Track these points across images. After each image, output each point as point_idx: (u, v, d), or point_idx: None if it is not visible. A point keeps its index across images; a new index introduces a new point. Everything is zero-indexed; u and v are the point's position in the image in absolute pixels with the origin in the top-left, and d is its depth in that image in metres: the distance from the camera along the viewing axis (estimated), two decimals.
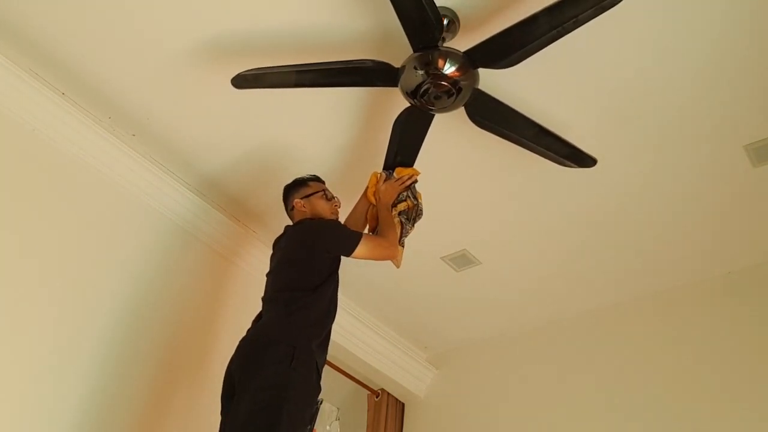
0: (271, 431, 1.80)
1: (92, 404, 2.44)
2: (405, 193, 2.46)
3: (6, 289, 2.34)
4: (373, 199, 2.49)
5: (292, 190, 2.45)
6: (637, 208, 2.85)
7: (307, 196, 2.40)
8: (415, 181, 2.50)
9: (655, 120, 2.46)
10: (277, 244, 2.37)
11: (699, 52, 2.22)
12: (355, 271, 2.45)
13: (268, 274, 2.30)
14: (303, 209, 2.37)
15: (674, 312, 3.20)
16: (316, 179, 2.48)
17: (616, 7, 1.83)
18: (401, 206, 2.45)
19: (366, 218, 2.53)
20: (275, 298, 2.14)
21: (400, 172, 2.48)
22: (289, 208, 2.44)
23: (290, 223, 2.45)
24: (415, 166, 2.52)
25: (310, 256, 2.18)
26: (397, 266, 2.43)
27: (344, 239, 2.23)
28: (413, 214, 2.47)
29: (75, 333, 2.49)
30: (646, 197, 2.80)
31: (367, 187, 2.52)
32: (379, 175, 2.50)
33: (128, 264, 2.76)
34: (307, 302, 2.09)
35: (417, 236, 2.65)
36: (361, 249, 2.19)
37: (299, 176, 2.50)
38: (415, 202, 2.48)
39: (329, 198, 2.43)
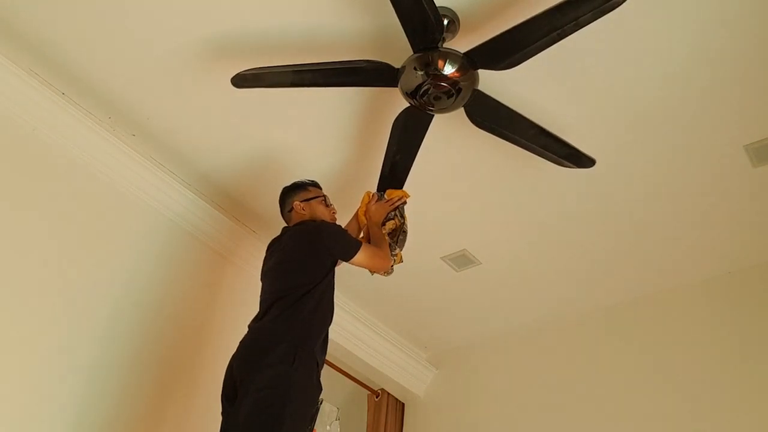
0: (274, 431, 1.81)
1: (91, 404, 2.45)
2: (393, 213, 2.53)
3: (5, 289, 2.34)
4: (363, 219, 2.54)
5: (291, 192, 2.46)
6: (637, 208, 2.85)
7: (308, 200, 2.40)
8: (404, 203, 2.56)
9: (655, 120, 2.46)
10: (272, 246, 2.38)
11: (699, 53, 2.22)
12: (355, 272, 2.45)
13: (265, 275, 2.30)
14: (303, 212, 2.38)
15: (674, 312, 3.20)
16: (315, 185, 2.50)
17: (615, 9, 1.83)
18: (389, 225, 2.52)
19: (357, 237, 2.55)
20: (277, 298, 2.13)
21: (390, 193, 2.54)
22: (287, 210, 2.44)
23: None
24: (414, 167, 2.52)
25: (312, 256, 2.19)
26: (385, 275, 2.51)
27: (347, 244, 2.28)
28: (398, 233, 2.53)
29: (74, 332, 2.49)
30: (645, 197, 2.80)
31: (360, 206, 2.57)
32: (371, 194, 2.55)
33: (128, 263, 2.76)
34: (308, 302, 2.09)
35: (417, 236, 2.65)
36: (360, 256, 2.26)
37: (298, 180, 2.51)
38: (402, 221, 2.53)
39: (328, 205, 2.45)
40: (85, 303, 2.56)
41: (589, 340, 3.43)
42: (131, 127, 2.79)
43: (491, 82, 2.26)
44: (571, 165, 2.39)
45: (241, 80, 2.22)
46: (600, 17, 1.84)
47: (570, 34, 1.90)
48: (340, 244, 2.26)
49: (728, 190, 2.71)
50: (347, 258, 2.25)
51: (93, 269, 2.63)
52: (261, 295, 2.25)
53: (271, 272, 2.27)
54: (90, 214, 2.70)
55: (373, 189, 2.63)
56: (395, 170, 2.52)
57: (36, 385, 2.34)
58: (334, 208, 2.47)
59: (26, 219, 2.49)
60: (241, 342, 2.09)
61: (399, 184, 2.58)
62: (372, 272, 2.47)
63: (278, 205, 2.49)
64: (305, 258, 2.19)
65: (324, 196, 2.46)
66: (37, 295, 2.43)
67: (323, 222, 2.34)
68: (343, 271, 2.35)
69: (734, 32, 2.14)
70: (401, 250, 2.53)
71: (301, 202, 2.40)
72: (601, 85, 2.36)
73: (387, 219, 2.52)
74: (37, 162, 2.59)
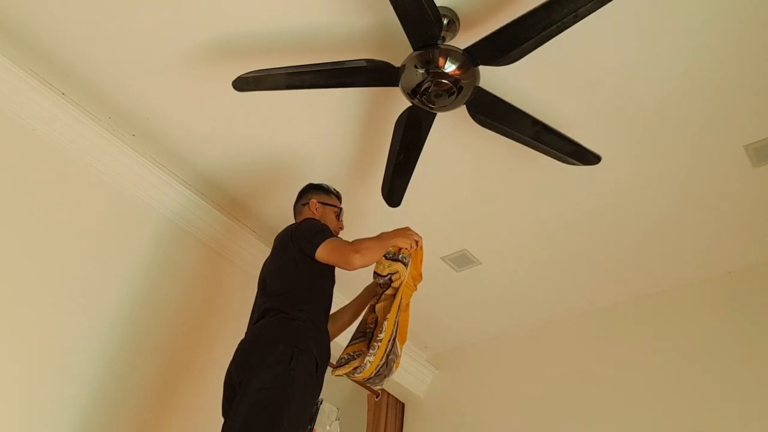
0: (271, 431, 1.81)
1: (92, 403, 2.44)
2: (406, 259, 2.17)
3: (5, 289, 2.34)
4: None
5: (315, 189, 2.46)
6: (637, 207, 2.85)
7: (325, 204, 2.41)
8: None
9: (656, 119, 2.46)
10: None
11: (700, 52, 2.22)
12: (354, 272, 2.44)
13: (262, 275, 2.30)
14: (314, 211, 2.38)
15: (674, 312, 3.20)
16: (339, 196, 2.50)
17: (616, 3, 1.83)
18: (395, 269, 2.16)
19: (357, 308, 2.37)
20: (274, 299, 2.13)
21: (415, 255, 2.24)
22: (302, 202, 2.44)
23: (292, 219, 2.46)
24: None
25: (298, 253, 2.16)
26: (374, 382, 2.14)
27: (313, 237, 2.11)
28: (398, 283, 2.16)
29: (75, 332, 2.49)
30: (645, 197, 2.80)
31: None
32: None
33: (128, 263, 2.76)
34: (305, 301, 2.09)
35: None
36: (321, 250, 2.07)
37: (327, 183, 2.50)
38: (406, 264, 2.17)
39: (339, 218, 2.45)
40: (85, 302, 2.56)
41: (589, 340, 3.43)
42: (131, 127, 2.79)
43: (493, 78, 2.27)
44: (576, 162, 2.38)
45: (242, 83, 2.22)
46: (599, 8, 1.82)
47: (570, 26, 1.89)
48: (305, 238, 2.13)
49: (728, 190, 2.72)
50: (309, 252, 2.08)
51: (93, 269, 2.63)
52: (259, 296, 2.25)
53: (269, 273, 2.27)
54: (90, 214, 2.70)
55: (375, 190, 2.60)
56: (399, 171, 2.51)
57: (36, 387, 2.33)
58: (342, 224, 2.46)
59: (26, 218, 2.48)
60: (239, 344, 2.09)
61: (403, 188, 2.53)
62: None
63: (279, 204, 2.49)
64: (291, 258, 2.17)
65: (340, 209, 2.46)
66: (36, 294, 2.43)
67: (305, 220, 2.30)
68: (342, 270, 2.31)
69: (735, 32, 2.15)
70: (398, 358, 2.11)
71: (319, 202, 2.41)
72: (603, 82, 2.35)
73: (397, 258, 2.16)
74: (37, 162, 2.59)
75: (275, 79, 2.20)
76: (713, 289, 3.14)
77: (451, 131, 2.58)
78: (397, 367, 2.16)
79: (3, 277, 2.35)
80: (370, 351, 2.08)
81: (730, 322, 2.99)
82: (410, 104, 2.25)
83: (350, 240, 2.13)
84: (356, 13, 2.20)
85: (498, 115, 2.25)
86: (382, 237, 2.18)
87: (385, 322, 2.10)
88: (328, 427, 3.58)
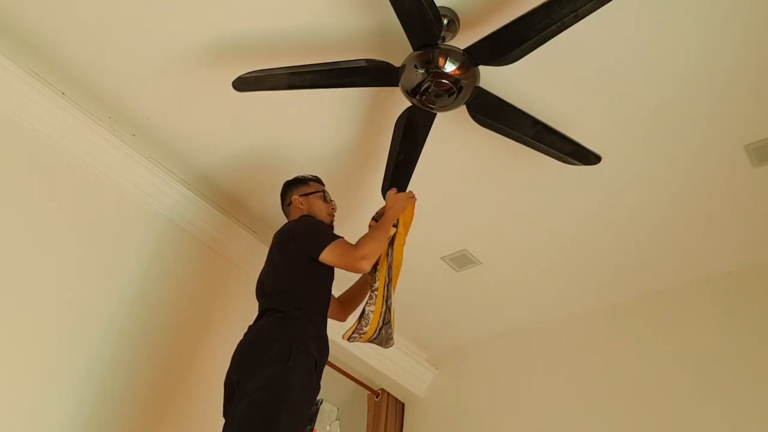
0: (268, 430, 1.81)
1: (92, 404, 2.44)
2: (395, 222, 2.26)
3: (4, 288, 2.34)
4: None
5: (292, 186, 2.46)
6: (637, 207, 2.85)
7: (306, 195, 2.40)
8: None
9: (656, 119, 2.46)
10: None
11: (700, 52, 2.22)
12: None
13: (260, 279, 2.30)
14: (300, 206, 2.38)
15: (674, 312, 3.20)
16: (317, 180, 2.49)
17: (616, 2, 1.83)
18: (391, 232, 2.24)
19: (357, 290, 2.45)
20: (271, 299, 2.13)
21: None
22: (285, 203, 2.44)
23: (285, 219, 2.45)
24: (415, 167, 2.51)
25: (292, 255, 2.16)
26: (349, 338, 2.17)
27: (315, 238, 2.14)
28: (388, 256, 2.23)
29: (74, 331, 2.49)
30: (646, 197, 2.80)
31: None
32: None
33: (128, 263, 2.76)
34: (301, 300, 2.09)
35: (417, 236, 2.64)
36: (326, 253, 2.08)
37: (300, 174, 2.50)
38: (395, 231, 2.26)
39: (327, 200, 2.44)
40: (86, 303, 2.56)
41: (589, 340, 3.43)
42: (131, 127, 2.79)
43: (493, 78, 2.27)
44: (575, 162, 2.38)
45: (243, 84, 2.23)
46: (599, 8, 1.82)
47: (570, 26, 1.89)
48: (307, 239, 2.15)
49: (728, 190, 2.72)
50: (314, 254, 2.10)
51: (93, 269, 2.63)
52: (258, 295, 2.25)
53: (266, 272, 2.27)
54: (90, 214, 2.70)
55: (375, 190, 2.60)
56: (399, 171, 2.51)
57: (36, 386, 2.33)
58: (333, 204, 2.46)
59: (26, 218, 2.48)
60: (238, 344, 2.09)
61: (403, 188, 2.53)
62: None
63: (279, 204, 2.49)
64: (288, 257, 2.18)
65: (323, 191, 2.44)
66: (36, 294, 2.43)
67: (301, 218, 2.29)
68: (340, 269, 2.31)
69: (735, 33, 2.15)
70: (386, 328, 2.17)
71: (300, 196, 2.39)
72: (603, 82, 2.35)
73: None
74: (37, 162, 2.59)
75: (275, 80, 2.20)
76: (714, 289, 3.13)
77: (451, 131, 2.58)
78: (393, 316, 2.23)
79: (1, 276, 2.35)
80: (369, 301, 2.18)
81: (730, 322, 2.99)
82: (410, 104, 2.25)
83: (349, 235, 2.16)
84: (356, 13, 2.20)
85: (498, 115, 2.25)
86: (381, 226, 2.23)
87: (377, 273, 2.20)
88: (328, 427, 3.59)
